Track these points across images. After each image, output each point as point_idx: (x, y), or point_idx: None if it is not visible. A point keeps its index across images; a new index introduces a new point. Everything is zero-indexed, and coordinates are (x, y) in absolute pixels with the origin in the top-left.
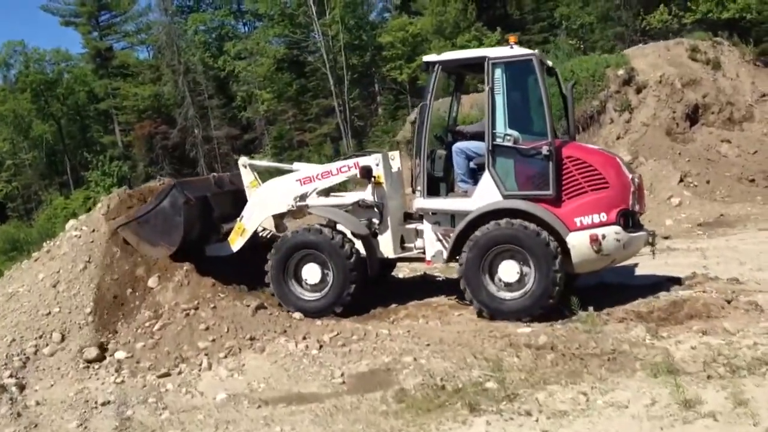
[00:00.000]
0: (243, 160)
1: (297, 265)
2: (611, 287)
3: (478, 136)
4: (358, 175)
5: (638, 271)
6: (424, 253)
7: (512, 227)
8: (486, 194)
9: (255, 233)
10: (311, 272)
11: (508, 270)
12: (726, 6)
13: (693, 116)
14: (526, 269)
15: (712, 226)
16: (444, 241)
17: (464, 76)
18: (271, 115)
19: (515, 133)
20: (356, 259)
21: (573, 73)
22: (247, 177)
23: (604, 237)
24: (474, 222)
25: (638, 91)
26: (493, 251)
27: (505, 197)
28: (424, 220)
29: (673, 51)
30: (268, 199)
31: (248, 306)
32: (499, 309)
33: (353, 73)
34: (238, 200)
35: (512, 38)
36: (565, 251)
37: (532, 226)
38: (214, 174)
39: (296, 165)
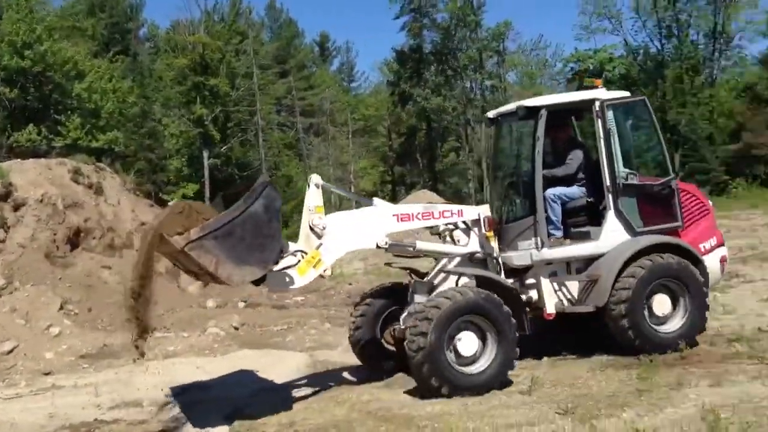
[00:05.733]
0: (316, 178)
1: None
2: None
3: (566, 180)
4: (466, 224)
5: None
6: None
7: (673, 261)
8: (613, 235)
9: None
10: (467, 343)
11: (662, 303)
12: (95, 136)
13: (75, 240)
14: (678, 301)
15: (97, 358)
16: (562, 290)
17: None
18: None
19: (633, 172)
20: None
21: None
22: (316, 199)
23: (725, 258)
24: (628, 261)
25: (16, 208)
26: (650, 287)
27: (636, 234)
28: (537, 273)
29: (56, 171)
30: (355, 230)
31: None
32: (653, 341)
33: None
34: None
35: (598, 82)
36: None
37: (678, 258)
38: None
39: (376, 201)
